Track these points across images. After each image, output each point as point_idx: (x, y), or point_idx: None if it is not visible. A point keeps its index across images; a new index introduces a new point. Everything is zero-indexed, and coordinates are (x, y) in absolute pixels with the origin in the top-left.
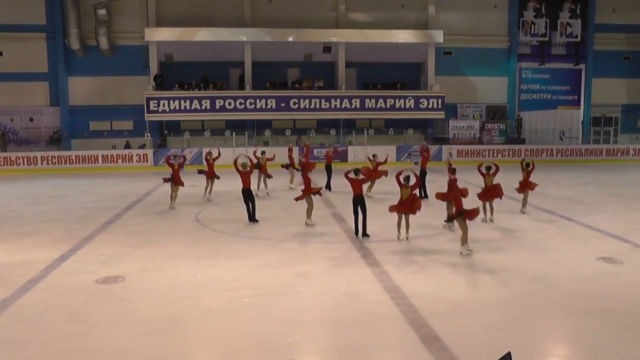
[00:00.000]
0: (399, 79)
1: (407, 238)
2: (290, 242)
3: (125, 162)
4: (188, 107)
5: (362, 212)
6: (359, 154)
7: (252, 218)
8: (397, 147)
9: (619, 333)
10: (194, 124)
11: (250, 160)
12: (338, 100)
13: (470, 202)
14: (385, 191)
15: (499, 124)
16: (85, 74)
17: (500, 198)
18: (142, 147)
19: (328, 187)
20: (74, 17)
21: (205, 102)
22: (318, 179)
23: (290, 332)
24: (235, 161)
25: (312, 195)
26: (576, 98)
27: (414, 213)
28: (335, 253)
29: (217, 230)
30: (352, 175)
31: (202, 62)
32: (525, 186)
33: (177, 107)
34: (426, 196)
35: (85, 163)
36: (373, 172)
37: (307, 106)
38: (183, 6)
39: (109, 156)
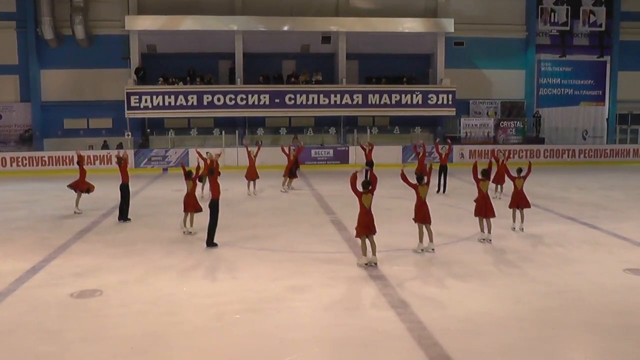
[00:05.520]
0: (405, 72)
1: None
2: (284, 252)
3: (104, 163)
4: (173, 103)
5: None
6: (360, 154)
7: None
8: (403, 147)
9: None
10: (179, 121)
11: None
12: (338, 96)
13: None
14: (394, 195)
15: (515, 122)
16: (59, 67)
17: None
18: (120, 146)
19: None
20: (47, 3)
21: (192, 98)
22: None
23: (285, 352)
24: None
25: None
26: (600, 93)
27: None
28: (334, 264)
29: (204, 239)
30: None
31: (188, 53)
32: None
33: (161, 103)
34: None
35: (59, 165)
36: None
37: (304, 102)
38: None
39: (86, 157)
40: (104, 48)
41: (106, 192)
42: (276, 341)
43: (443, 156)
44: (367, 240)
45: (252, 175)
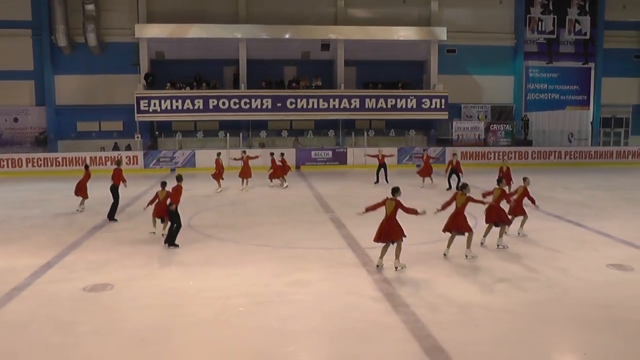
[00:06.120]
0: (400, 78)
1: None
2: (286, 248)
3: (114, 164)
4: (180, 107)
5: None
6: (358, 155)
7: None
8: (398, 149)
9: (630, 344)
10: (186, 124)
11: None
12: (337, 100)
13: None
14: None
15: (504, 125)
16: (72, 72)
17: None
18: (128, 148)
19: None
20: (61, 12)
21: (198, 102)
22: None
23: (286, 343)
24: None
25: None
26: (585, 98)
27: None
28: (333, 260)
29: (210, 235)
30: None
31: (194, 60)
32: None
33: (169, 107)
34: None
35: (72, 165)
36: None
37: (305, 106)
38: (175, 1)
39: (97, 158)
40: (115, 55)
41: None
42: (278, 333)
43: (455, 162)
44: (388, 245)
45: (245, 174)
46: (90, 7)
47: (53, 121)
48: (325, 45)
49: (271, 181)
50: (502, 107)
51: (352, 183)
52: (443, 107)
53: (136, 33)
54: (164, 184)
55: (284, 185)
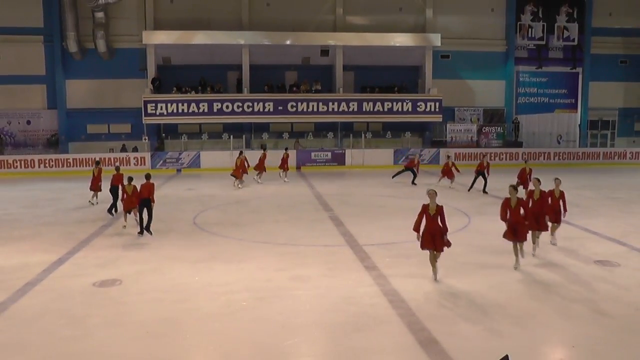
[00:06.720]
0: (396, 82)
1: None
2: (287, 245)
3: (123, 165)
4: (186, 110)
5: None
6: (356, 157)
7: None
8: (394, 151)
9: (616, 336)
10: (191, 127)
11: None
12: (336, 104)
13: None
14: (386, 194)
15: (496, 128)
16: (82, 77)
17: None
18: (136, 149)
19: None
20: (71, 20)
21: (203, 105)
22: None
23: (287, 336)
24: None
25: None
26: (573, 101)
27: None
28: (332, 256)
29: (214, 233)
30: None
31: (199, 65)
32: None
33: (175, 110)
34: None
35: (83, 166)
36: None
37: (305, 109)
38: (181, 9)
39: (107, 159)
40: (123, 60)
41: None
42: (279, 326)
43: (485, 164)
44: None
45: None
46: (99, 14)
47: (64, 124)
48: (325, 51)
49: (259, 176)
50: (494, 110)
51: (351, 183)
52: (437, 110)
53: (144, 39)
54: (130, 179)
55: (284, 180)
